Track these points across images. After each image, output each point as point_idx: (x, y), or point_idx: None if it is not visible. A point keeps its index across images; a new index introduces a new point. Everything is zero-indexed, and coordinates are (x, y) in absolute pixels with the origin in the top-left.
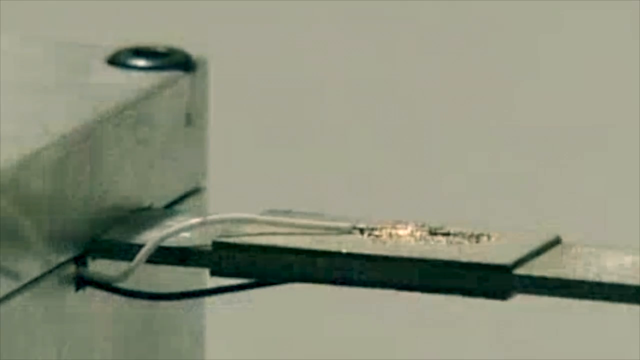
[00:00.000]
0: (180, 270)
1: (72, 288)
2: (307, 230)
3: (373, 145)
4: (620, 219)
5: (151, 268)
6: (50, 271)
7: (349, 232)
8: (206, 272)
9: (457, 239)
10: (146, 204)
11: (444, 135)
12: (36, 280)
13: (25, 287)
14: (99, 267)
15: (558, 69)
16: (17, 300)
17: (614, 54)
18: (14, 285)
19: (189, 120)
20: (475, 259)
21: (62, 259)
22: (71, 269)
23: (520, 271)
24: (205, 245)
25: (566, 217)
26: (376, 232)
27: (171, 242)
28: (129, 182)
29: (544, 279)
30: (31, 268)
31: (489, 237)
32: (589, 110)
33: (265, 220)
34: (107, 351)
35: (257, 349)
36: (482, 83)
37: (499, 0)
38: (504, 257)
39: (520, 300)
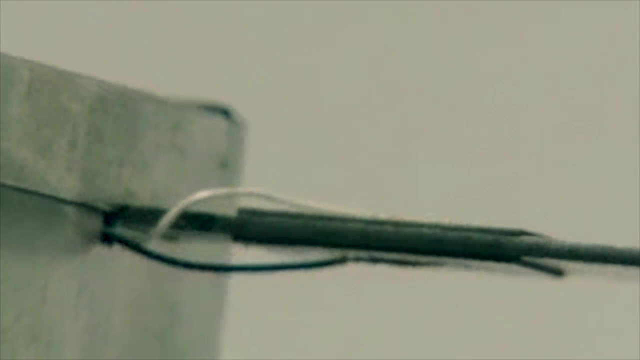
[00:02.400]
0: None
1: (99, 244)
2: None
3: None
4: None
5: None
6: (80, 223)
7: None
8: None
9: None
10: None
11: (435, 135)
12: (66, 228)
13: (54, 232)
14: (128, 229)
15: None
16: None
17: (613, 54)
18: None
19: (224, 163)
20: None
21: (94, 214)
22: (100, 225)
23: None
24: (230, 214)
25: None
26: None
27: (196, 209)
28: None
29: None
30: (63, 217)
31: None
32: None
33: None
34: (122, 311)
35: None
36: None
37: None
38: None
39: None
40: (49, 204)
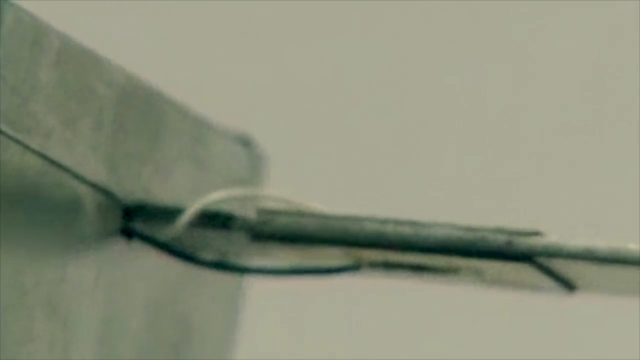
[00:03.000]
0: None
1: (118, 237)
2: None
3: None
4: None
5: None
6: (100, 212)
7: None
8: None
9: None
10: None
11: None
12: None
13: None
14: (147, 226)
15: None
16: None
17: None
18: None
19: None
20: None
21: (114, 205)
22: (119, 218)
23: None
24: (249, 213)
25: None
26: None
27: (215, 207)
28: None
29: None
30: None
31: None
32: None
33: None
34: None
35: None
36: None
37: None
38: None
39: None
40: (70, 187)
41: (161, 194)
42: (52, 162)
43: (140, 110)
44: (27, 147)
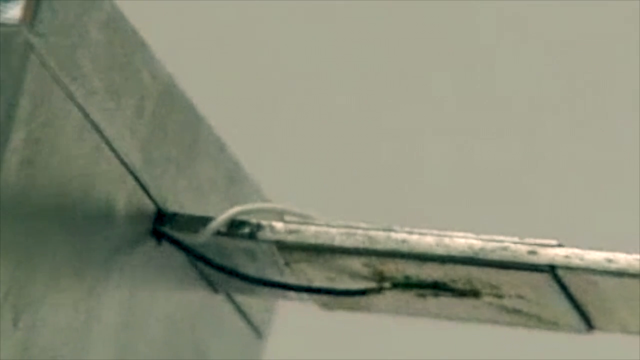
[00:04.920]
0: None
1: (152, 240)
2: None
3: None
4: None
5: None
6: (135, 216)
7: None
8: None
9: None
10: None
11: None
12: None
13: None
14: (179, 231)
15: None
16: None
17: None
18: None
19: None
20: None
21: (148, 210)
22: (149, 221)
23: None
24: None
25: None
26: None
27: (243, 217)
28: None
29: None
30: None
31: None
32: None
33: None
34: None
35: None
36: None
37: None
38: None
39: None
40: (106, 182)
41: (193, 211)
42: (93, 124)
43: (179, 120)
44: (71, 95)
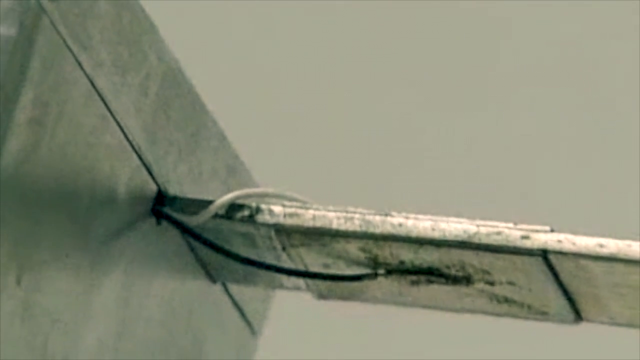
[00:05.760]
0: None
1: (151, 220)
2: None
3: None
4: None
5: None
6: (136, 197)
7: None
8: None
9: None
10: None
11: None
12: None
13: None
14: (179, 212)
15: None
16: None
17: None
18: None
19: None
20: None
21: (150, 189)
22: (150, 201)
23: None
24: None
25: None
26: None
27: (243, 201)
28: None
29: None
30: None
31: None
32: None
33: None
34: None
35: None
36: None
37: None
38: None
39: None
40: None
41: (192, 195)
42: (99, 95)
43: (182, 105)
44: (79, 63)
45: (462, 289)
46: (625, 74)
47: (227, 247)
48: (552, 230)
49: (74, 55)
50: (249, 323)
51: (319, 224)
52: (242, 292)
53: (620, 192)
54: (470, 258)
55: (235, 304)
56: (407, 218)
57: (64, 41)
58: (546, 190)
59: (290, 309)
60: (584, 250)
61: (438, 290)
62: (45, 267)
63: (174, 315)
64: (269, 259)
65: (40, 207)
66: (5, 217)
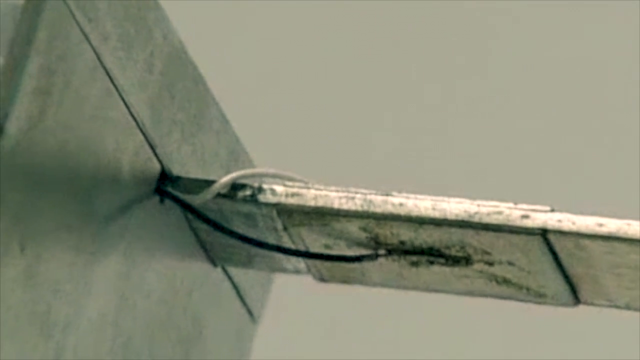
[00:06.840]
0: None
1: (154, 198)
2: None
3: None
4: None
5: None
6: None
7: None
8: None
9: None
10: None
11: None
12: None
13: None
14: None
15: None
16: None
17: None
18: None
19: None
20: None
21: (154, 168)
22: (153, 180)
23: None
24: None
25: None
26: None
27: (245, 180)
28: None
29: None
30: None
31: None
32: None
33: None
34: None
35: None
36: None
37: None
38: None
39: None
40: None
41: (195, 176)
42: (104, 68)
43: (186, 87)
44: (86, 35)
45: (462, 270)
46: (625, 61)
47: (228, 227)
48: (552, 210)
49: (80, 27)
50: (248, 309)
51: (320, 203)
52: (242, 277)
53: (620, 172)
54: (471, 238)
55: (236, 288)
56: (407, 198)
57: (71, 12)
58: (547, 170)
59: (289, 295)
60: (583, 230)
61: (437, 272)
62: (48, 238)
63: (174, 294)
64: (270, 240)
65: (44, 177)
66: (9, 184)
